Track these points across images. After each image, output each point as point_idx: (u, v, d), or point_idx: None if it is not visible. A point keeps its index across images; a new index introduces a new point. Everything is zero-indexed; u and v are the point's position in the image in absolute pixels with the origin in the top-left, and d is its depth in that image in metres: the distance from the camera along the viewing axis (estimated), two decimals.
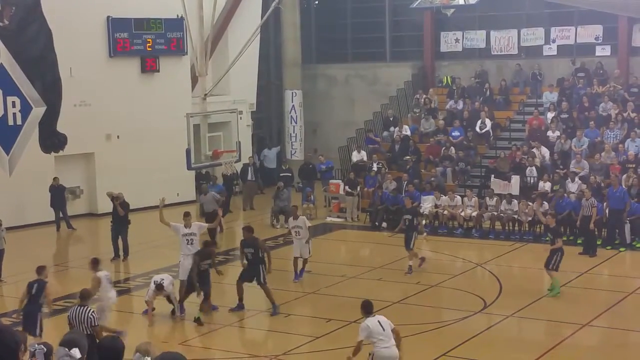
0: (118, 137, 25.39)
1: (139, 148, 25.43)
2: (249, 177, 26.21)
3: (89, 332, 11.01)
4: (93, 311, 11.38)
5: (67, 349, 6.24)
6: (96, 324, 11.22)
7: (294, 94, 29.45)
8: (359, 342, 10.99)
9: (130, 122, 25.27)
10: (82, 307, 11.38)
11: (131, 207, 20.64)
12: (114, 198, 19.97)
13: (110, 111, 24.90)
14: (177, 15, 25.28)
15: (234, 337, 14.86)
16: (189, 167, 21.78)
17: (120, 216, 19.81)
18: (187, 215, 16.26)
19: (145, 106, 25.55)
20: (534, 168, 22.87)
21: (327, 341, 13.95)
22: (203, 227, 16.73)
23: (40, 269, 13.44)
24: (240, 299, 15.55)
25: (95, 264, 14.10)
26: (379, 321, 11.05)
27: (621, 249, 19.64)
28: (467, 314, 15.06)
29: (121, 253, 19.88)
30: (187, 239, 15.69)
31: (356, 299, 16.19)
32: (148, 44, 25.75)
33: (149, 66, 25.83)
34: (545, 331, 14.73)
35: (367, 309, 11.22)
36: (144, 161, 25.30)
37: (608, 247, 19.74)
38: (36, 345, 6.45)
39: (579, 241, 19.96)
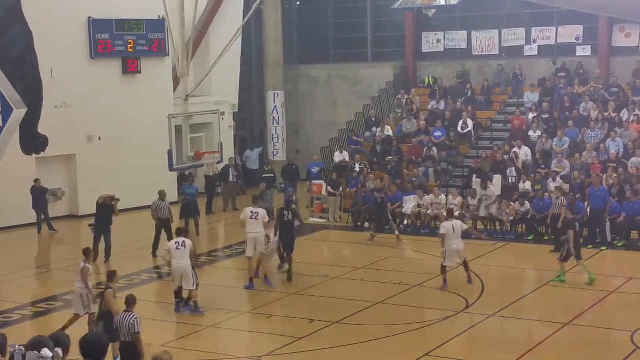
0: (100, 138, 25.25)
1: (121, 149, 25.32)
2: (230, 179, 26.14)
3: (129, 339, 11.01)
4: (135, 317, 11.23)
5: (36, 352, 6.21)
6: (137, 331, 11.07)
7: (276, 95, 29.44)
8: (442, 234, 16.55)
9: (111, 124, 25.15)
10: (126, 313, 11.28)
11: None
12: (113, 200, 19.74)
13: (92, 112, 24.78)
14: (159, 16, 25.19)
15: (216, 339, 14.82)
16: (171, 169, 21.73)
17: (106, 217, 19.68)
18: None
19: (127, 107, 25.43)
20: (513, 168, 22.97)
21: (310, 342, 13.92)
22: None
23: (111, 275, 13.20)
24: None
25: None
26: (452, 225, 16.48)
27: (602, 248, 19.77)
28: (450, 314, 15.10)
29: (102, 254, 19.75)
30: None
31: (339, 299, 16.30)
32: (129, 45, 25.63)
33: (130, 67, 25.70)
34: (527, 330, 14.79)
35: (450, 214, 17.44)
36: (125, 163, 25.18)
37: (589, 246, 19.82)
38: (16, 347, 6.41)
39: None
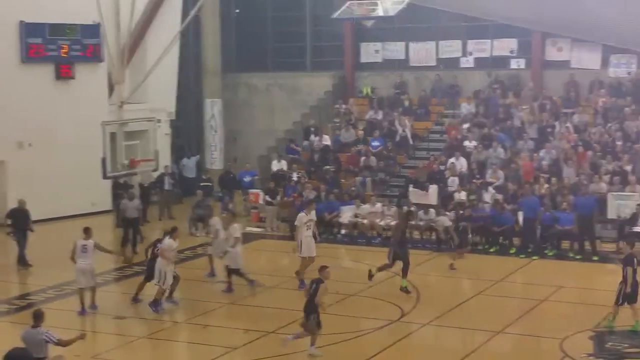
0: (30, 144, 24.66)
1: (53, 156, 24.77)
2: (166, 187, 25.83)
3: (42, 356, 10.65)
4: (46, 333, 10.82)
5: None
6: (56, 340, 10.78)
7: (214, 103, 29.22)
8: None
9: (43, 130, 24.61)
10: (34, 329, 10.80)
11: (44, 217, 20.16)
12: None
13: (23, 118, 24.21)
14: (93, 21, 24.76)
15: (149, 350, 14.59)
16: (105, 176, 21.39)
17: (20, 225, 19.33)
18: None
19: (60, 113, 24.93)
20: (456, 178, 23.22)
21: (246, 352, 13.85)
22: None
23: (322, 269, 13.68)
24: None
25: None
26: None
27: (533, 258, 20.11)
28: (385, 323, 15.16)
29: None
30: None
31: (275, 309, 16.22)
32: (63, 50, 25.15)
33: (63, 73, 25.21)
34: (460, 339, 14.93)
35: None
36: (57, 170, 24.65)
37: (521, 256, 20.19)
38: None
39: (491, 250, 20.54)
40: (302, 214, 17.86)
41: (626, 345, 13.79)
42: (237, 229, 17.54)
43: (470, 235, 20.27)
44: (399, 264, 17.10)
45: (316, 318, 13.28)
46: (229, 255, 17.24)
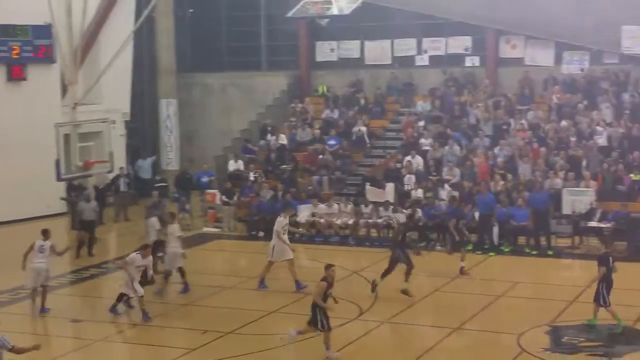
0: None
1: (5, 159, 24.33)
2: (122, 188, 25.54)
3: None
4: (2, 337, 10.60)
5: None
6: (11, 346, 10.55)
7: (169, 103, 28.99)
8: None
9: None
10: None
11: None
12: None
13: None
14: (45, 22, 24.36)
15: (106, 352, 14.40)
16: (59, 179, 21.10)
17: None
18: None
19: (12, 115, 24.53)
20: (413, 176, 23.32)
21: (203, 353, 13.74)
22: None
23: (327, 268, 13.55)
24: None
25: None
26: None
27: (490, 254, 20.30)
28: (344, 321, 15.14)
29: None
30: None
31: (233, 309, 16.15)
32: (14, 51, 24.75)
33: (15, 74, 24.84)
34: (419, 335, 15.05)
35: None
36: (10, 172, 24.21)
37: (478, 252, 20.36)
38: None
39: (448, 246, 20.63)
40: (280, 219, 17.56)
41: (582, 339, 13.99)
42: (176, 230, 17.32)
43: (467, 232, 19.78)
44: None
45: (322, 316, 13.09)
46: (167, 256, 17.03)
